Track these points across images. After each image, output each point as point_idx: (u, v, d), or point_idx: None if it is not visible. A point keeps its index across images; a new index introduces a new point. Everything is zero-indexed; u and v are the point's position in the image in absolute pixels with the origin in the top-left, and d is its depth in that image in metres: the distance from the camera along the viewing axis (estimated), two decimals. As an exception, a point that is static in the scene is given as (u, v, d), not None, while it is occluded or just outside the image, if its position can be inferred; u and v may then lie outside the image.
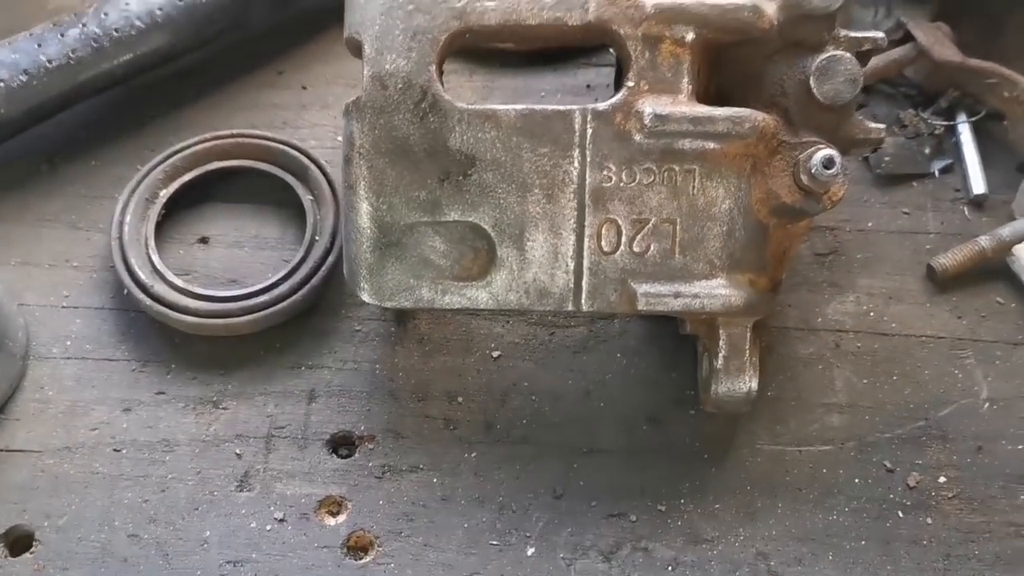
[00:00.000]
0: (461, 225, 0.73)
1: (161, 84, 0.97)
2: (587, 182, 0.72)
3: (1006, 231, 0.89)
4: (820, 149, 0.71)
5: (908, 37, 1.00)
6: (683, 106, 0.70)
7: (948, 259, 0.89)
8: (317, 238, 0.87)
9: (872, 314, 0.88)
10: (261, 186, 0.92)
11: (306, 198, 0.89)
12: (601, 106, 0.71)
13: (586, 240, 0.73)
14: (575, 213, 0.72)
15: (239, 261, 0.89)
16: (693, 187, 0.72)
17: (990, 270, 0.89)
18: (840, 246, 0.92)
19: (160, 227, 0.89)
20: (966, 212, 0.94)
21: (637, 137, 0.71)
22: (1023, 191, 0.92)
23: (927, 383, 0.84)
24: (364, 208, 0.73)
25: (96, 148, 0.95)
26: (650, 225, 0.72)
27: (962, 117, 0.98)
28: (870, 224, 0.93)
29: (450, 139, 0.72)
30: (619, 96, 0.71)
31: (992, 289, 0.89)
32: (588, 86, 1.01)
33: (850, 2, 1.07)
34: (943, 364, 0.85)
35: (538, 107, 0.72)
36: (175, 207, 0.90)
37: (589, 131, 0.71)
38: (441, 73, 0.73)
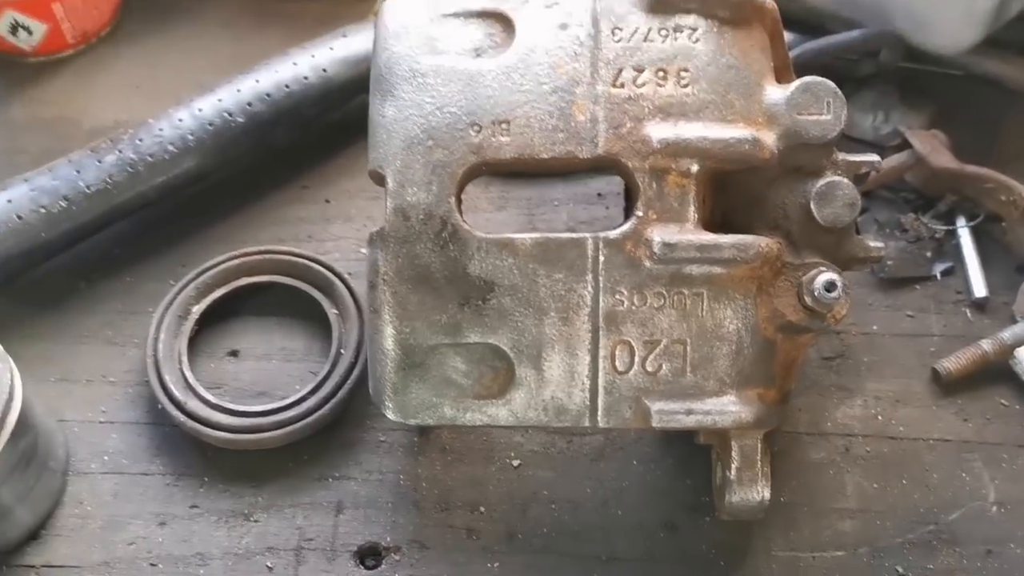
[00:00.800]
0: (481, 347, 0.77)
1: (191, 201, 1.01)
2: (600, 306, 0.75)
3: (1007, 334, 0.92)
4: (822, 272, 0.75)
5: (906, 144, 1.04)
6: (690, 234, 0.74)
7: (952, 362, 0.92)
8: (342, 351, 0.91)
9: (880, 418, 0.90)
10: (288, 299, 0.96)
11: (331, 312, 0.93)
12: (612, 234, 0.75)
13: (601, 360, 0.76)
14: (590, 335, 0.76)
15: (268, 374, 0.93)
16: (702, 310, 0.75)
17: (994, 372, 0.92)
18: (847, 350, 0.95)
19: (192, 341, 0.92)
20: (968, 314, 0.97)
21: (647, 264, 0.75)
22: (1022, 292, 0.95)
23: (936, 487, 0.86)
24: (388, 331, 0.77)
25: (130, 265, 0.99)
26: (662, 346, 0.76)
27: (961, 221, 1.01)
28: (875, 327, 0.96)
29: (470, 266, 0.76)
30: (629, 225, 0.75)
31: (996, 391, 0.92)
32: (599, 194, 1.06)
33: (849, 108, 1.11)
34: (951, 467, 0.88)
35: (552, 235, 0.76)
36: (206, 321, 0.94)
37: (601, 258, 0.75)
38: (460, 202, 0.77)
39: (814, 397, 0.92)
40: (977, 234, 1.00)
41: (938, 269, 1.00)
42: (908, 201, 1.04)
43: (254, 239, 1.01)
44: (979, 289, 0.97)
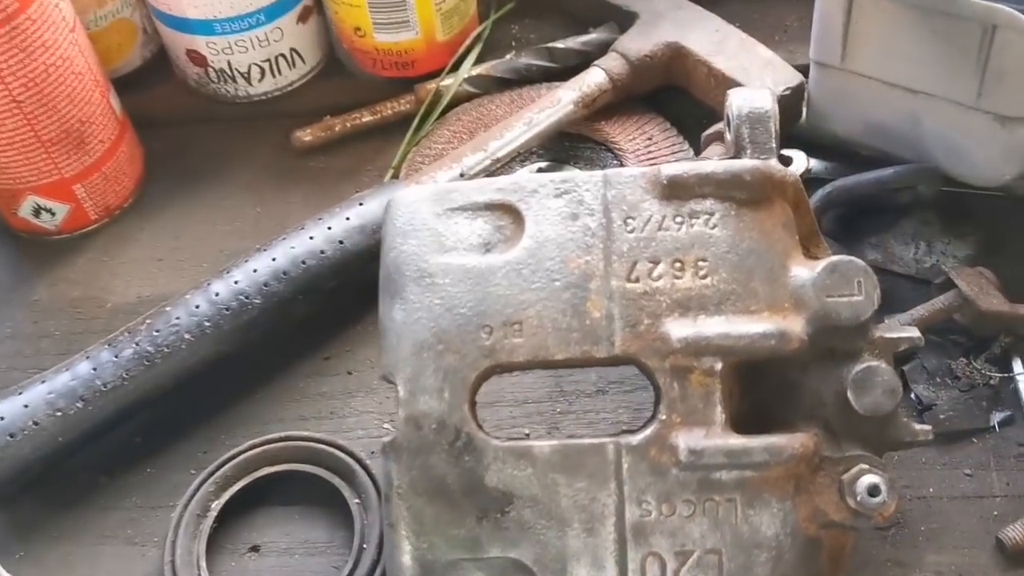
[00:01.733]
0: (503, 561, 0.73)
1: (210, 383, 0.99)
2: (626, 516, 0.71)
3: (1077, 496, 0.85)
4: (864, 473, 0.70)
5: (952, 283, 0.98)
6: (718, 438, 0.70)
7: (1018, 531, 0.85)
8: (365, 546, 0.87)
9: (943, 595, 0.84)
10: (310, 487, 0.93)
11: (353, 502, 0.90)
12: (635, 440, 0.71)
13: (630, 574, 0.71)
14: (616, 547, 0.71)
15: (290, 570, 0.89)
16: (736, 517, 0.70)
17: (1065, 539, 0.85)
18: (901, 517, 0.88)
19: (211, 539, 0.90)
20: (1033, 470, 0.90)
21: (674, 471, 0.70)
22: (1091, 445, 0.88)
23: (1008, 673, 0.80)
24: (405, 547, 0.73)
25: (151, 455, 0.97)
26: (695, 557, 0.71)
27: (1019, 365, 0.95)
28: (931, 490, 0.90)
29: (486, 477, 0.72)
30: (651, 430, 0.71)
31: (1069, 561, 0.85)
32: (629, 351, 1.01)
33: (889, 240, 1.06)
34: (1025, 651, 0.81)
35: (571, 442, 0.72)
36: (226, 514, 0.91)
37: (625, 465, 0.71)
38: (474, 408, 0.74)
39: (869, 575, 0.86)
40: (1036, 379, 0.94)
41: (996, 419, 0.93)
42: (958, 344, 0.98)
43: (276, 418, 0.99)
44: (1042, 440, 0.91)
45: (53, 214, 1.13)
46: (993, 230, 1.04)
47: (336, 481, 0.91)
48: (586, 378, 1.00)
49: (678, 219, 0.74)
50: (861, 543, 0.87)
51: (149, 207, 1.19)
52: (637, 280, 0.73)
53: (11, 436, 0.89)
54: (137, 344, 0.94)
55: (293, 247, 1.00)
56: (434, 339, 0.74)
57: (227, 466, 0.92)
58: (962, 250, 1.03)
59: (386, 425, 0.98)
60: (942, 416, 0.93)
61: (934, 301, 0.97)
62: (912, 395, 0.95)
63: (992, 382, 0.95)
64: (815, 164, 1.09)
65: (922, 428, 0.76)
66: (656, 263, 0.73)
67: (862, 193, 1.05)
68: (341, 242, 1.01)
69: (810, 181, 1.05)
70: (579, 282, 0.74)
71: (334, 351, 1.04)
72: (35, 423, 0.89)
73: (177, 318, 0.95)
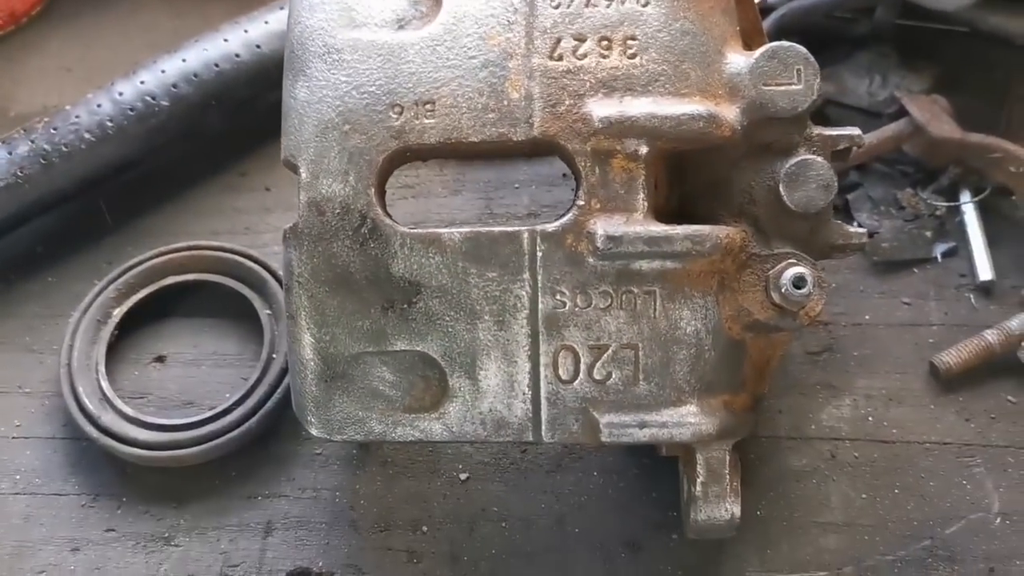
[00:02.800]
0: (409, 355, 0.69)
1: (117, 193, 0.93)
2: (539, 307, 0.67)
3: (1015, 323, 0.82)
4: (791, 266, 0.66)
5: (904, 111, 0.93)
6: (638, 225, 0.65)
7: (953, 356, 0.82)
8: (274, 356, 0.83)
9: (871, 419, 0.81)
10: (220, 299, 0.88)
11: (263, 312, 0.85)
12: (550, 227, 0.66)
13: (542, 368, 0.67)
14: (529, 340, 0.67)
15: (196, 381, 0.85)
16: (654, 310, 0.66)
17: (999, 366, 0.82)
18: (835, 343, 0.86)
19: (115, 347, 0.85)
20: (972, 300, 0.87)
21: (590, 259, 0.66)
22: (1033, 275, 0.85)
23: (932, 496, 0.78)
24: (306, 339, 0.69)
25: (53, 264, 0.92)
26: (610, 351, 0.67)
27: (966, 196, 0.91)
28: (867, 317, 0.87)
29: (392, 266, 0.67)
30: (569, 216, 0.66)
31: (1002, 387, 0.82)
32: (564, 175, 0.97)
33: (842, 72, 1.01)
34: (950, 474, 0.78)
35: (484, 230, 0.67)
36: (130, 325, 0.87)
37: (539, 254, 0.66)
38: (382, 194, 0.69)
39: (797, 397, 0.83)
40: (983, 210, 0.90)
41: (939, 250, 0.90)
42: (906, 175, 0.94)
43: (186, 232, 0.93)
44: (985, 272, 0.87)
45: (-47, 15, 1.05)
46: (950, 64, 0.99)
47: (246, 291, 0.87)
48: (518, 201, 0.96)
49: (608, -6, 0.68)
50: (791, 367, 0.84)
51: (58, 15, 1.11)
52: (560, 58, 0.67)
53: None
54: (33, 142, 0.87)
55: (206, 49, 0.93)
56: (340, 119, 0.68)
57: (130, 273, 0.87)
58: (917, 84, 0.98)
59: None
60: (884, 244, 0.90)
61: (884, 128, 0.93)
62: (855, 223, 0.91)
63: (938, 213, 0.91)
64: (772, -8, 1.03)
65: (856, 231, 0.72)
66: (582, 40, 0.67)
67: (817, 17, 1.00)
68: (258, 47, 0.94)
69: (765, 11, 0.99)
70: (498, 60, 0.68)
71: (251, 166, 0.99)
72: (-81, 216, 0.83)
73: (77, 116, 0.88)
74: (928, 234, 0.91)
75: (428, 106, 0.68)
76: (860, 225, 0.90)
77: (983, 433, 0.80)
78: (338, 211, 0.68)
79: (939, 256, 0.90)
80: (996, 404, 0.81)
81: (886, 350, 0.85)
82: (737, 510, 0.70)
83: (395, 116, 0.68)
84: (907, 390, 0.83)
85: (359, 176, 0.68)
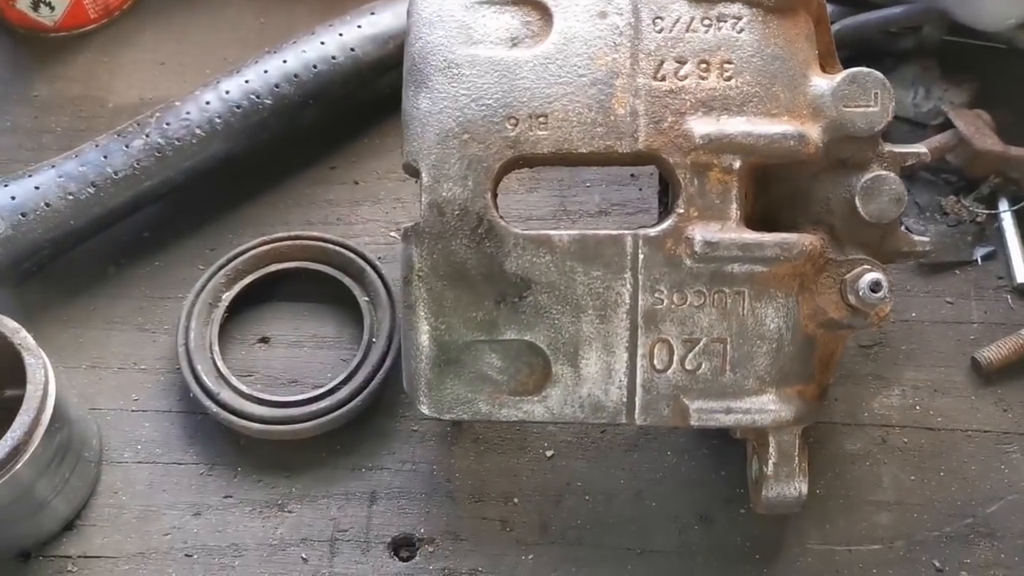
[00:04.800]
0: (517, 343, 0.76)
1: (219, 184, 1.00)
2: (639, 304, 0.74)
3: (1050, 323, 0.91)
4: (867, 271, 0.73)
5: (949, 123, 1.01)
6: (732, 232, 0.73)
7: (992, 352, 0.90)
8: (374, 340, 0.90)
9: (918, 408, 0.89)
10: (319, 285, 0.95)
11: (362, 299, 0.92)
12: (652, 232, 0.74)
13: (639, 359, 0.75)
14: (628, 333, 0.75)
15: (299, 361, 0.92)
16: (743, 308, 0.74)
17: (1035, 362, 0.90)
18: (884, 337, 0.93)
19: (222, 328, 0.92)
20: (1009, 301, 0.95)
21: (688, 262, 0.73)
22: (1066, 279, 0.93)
23: (974, 479, 0.86)
24: (424, 328, 0.76)
25: (160, 249, 0.99)
26: (701, 344, 0.74)
27: (1004, 204, 0.99)
28: (914, 314, 0.94)
29: (506, 263, 0.75)
30: (669, 222, 0.73)
31: (1037, 381, 0.90)
32: (632, 175, 1.04)
33: (893, 97, 1.08)
34: (989, 459, 0.87)
35: (590, 232, 0.75)
36: (236, 308, 0.94)
37: (641, 256, 0.74)
38: (496, 197, 0.76)
39: (850, 387, 0.91)
40: (1020, 218, 0.98)
41: (979, 254, 0.98)
42: (950, 183, 1.02)
43: (282, 222, 1.00)
44: (1021, 274, 0.95)
45: (52, 8, 1.10)
46: (991, 79, 1.06)
47: (346, 280, 0.94)
48: (590, 199, 1.03)
49: (706, 21, 0.75)
50: (845, 359, 0.92)
51: (150, 11, 1.16)
52: (663, 78, 0.74)
53: (23, 215, 0.89)
54: (147, 136, 0.94)
55: (304, 51, 0.99)
56: (459, 128, 0.75)
57: (238, 260, 0.93)
58: (959, 97, 1.06)
59: (392, 233, 1.00)
60: (929, 248, 0.97)
61: (931, 139, 1.00)
62: (903, 227, 0.99)
63: (978, 219, 0.99)
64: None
65: (920, 239, 0.80)
66: (683, 63, 0.74)
67: (869, 33, 1.07)
68: (352, 50, 1.01)
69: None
70: (605, 78, 0.75)
71: (341, 161, 1.05)
72: (47, 204, 0.90)
73: (188, 112, 0.95)
74: (969, 239, 0.98)
75: (541, 119, 0.75)
76: (908, 228, 0.98)
77: (1019, 422, 0.88)
78: (457, 212, 0.75)
79: (979, 259, 0.97)
80: (1031, 396, 0.90)
81: (931, 345, 0.93)
82: (805, 489, 0.78)
83: (511, 127, 0.75)
84: (950, 382, 0.91)
85: (477, 181, 0.75)
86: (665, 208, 0.85)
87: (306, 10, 1.15)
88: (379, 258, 0.94)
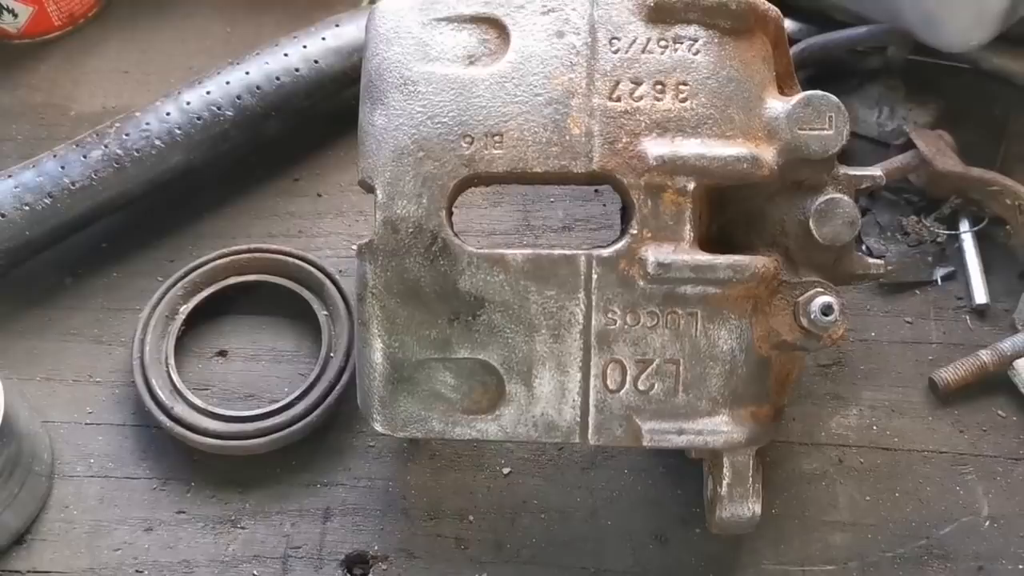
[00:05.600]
0: (471, 362, 0.76)
1: (179, 195, 0.99)
2: (592, 324, 0.74)
3: (1007, 344, 0.91)
4: (819, 294, 0.73)
5: (911, 144, 1.01)
6: (685, 254, 0.73)
7: (950, 373, 0.90)
8: (332, 355, 0.90)
9: (875, 428, 0.90)
10: (278, 299, 0.94)
11: (321, 313, 0.92)
12: (605, 252, 0.73)
13: (592, 379, 0.75)
14: (581, 353, 0.75)
15: (256, 375, 0.92)
16: (695, 329, 0.74)
17: (992, 383, 0.91)
18: (843, 357, 0.94)
19: (179, 341, 0.91)
20: (968, 321, 0.95)
21: (641, 283, 0.73)
22: (1024, 301, 0.93)
23: (929, 500, 0.86)
24: (377, 345, 0.76)
25: (117, 260, 0.98)
26: (654, 365, 0.74)
27: (965, 225, 0.99)
28: (873, 334, 0.95)
29: (460, 282, 0.74)
30: (623, 243, 0.73)
31: (993, 402, 0.91)
32: (596, 190, 1.04)
33: (854, 103, 1.08)
34: (945, 480, 0.87)
35: (544, 252, 0.74)
36: (194, 321, 0.93)
37: (594, 276, 0.74)
38: (451, 215, 0.76)
39: (809, 406, 0.91)
40: (980, 239, 0.98)
41: (939, 274, 0.98)
42: (911, 203, 1.02)
43: (244, 234, 0.99)
44: (980, 296, 0.96)
45: (15, 15, 1.10)
46: (954, 100, 1.07)
47: (305, 293, 0.93)
48: (553, 214, 1.03)
49: (662, 43, 0.75)
50: (804, 379, 0.92)
51: (115, 20, 1.16)
52: (619, 99, 0.74)
53: (-23, 226, 0.88)
54: (106, 146, 0.93)
55: (267, 63, 0.99)
56: (414, 146, 0.75)
57: (196, 273, 0.93)
58: (923, 117, 1.06)
59: (354, 246, 0.99)
60: (890, 267, 0.97)
61: (892, 160, 1.01)
62: (863, 247, 0.99)
63: (939, 239, 0.99)
64: (790, 25, 1.10)
65: (875, 262, 0.80)
66: (638, 84, 0.74)
67: (835, 52, 1.07)
68: (316, 62, 1.00)
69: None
70: (561, 98, 0.75)
71: (304, 173, 1.05)
72: (2, 215, 0.89)
73: (147, 124, 0.94)
74: (930, 259, 0.99)
75: (496, 138, 0.75)
76: (869, 248, 0.99)
77: (975, 444, 0.88)
78: (411, 230, 0.74)
79: (939, 280, 0.98)
80: (988, 418, 0.90)
81: (889, 365, 0.93)
82: (758, 509, 0.78)
83: (466, 145, 0.74)
84: (908, 402, 0.91)
85: (431, 199, 0.74)
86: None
87: (273, 21, 1.15)
88: (339, 272, 0.94)
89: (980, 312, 0.96)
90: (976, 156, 1.00)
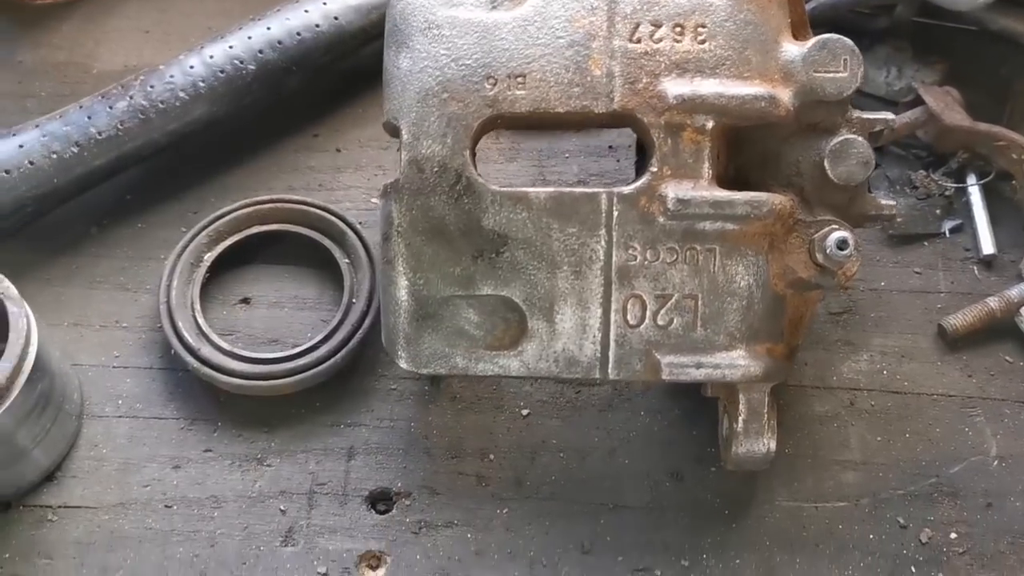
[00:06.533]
0: (494, 299, 0.78)
1: (202, 149, 1.01)
2: (613, 260, 0.76)
3: (1014, 292, 0.93)
4: (834, 230, 0.75)
5: (919, 100, 1.03)
6: (704, 190, 0.75)
7: (958, 319, 0.93)
8: (354, 301, 0.91)
9: (885, 372, 0.92)
10: (300, 248, 0.96)
11: (343, 261, 0.94)
12: (626, 189, 0.75)
13: (612, 314, 0.77)
14: (602, 289, 0.77)
15: (279, 321, 0.94)
16: (714, 265, 0.76)
17: (999, 329, 0.93)
18: (854, 305, 0.96)
19: (204, 289, 0.93)
20: (976, 272, 0.97)
21: (660, 219, 0.75)
22: (1031, 251, 0.95)
23: (938, 440, 0.88)
24: (402, 283, 0.78)
25: (142, 211, 1.00)
26: (673, 300, 0.76)
27: (972, 178, 1.01)
28: (883, 284, 0.97)
29: (484, 219, 0.76)
30: (643, 180, 0.75)
31: (1001, 348, 0.93)
32: (610, 147, 1.06)
33: (863, 64, 1.10)
34: (954, 422, 0.89)
35: (566, 190, 0.76)
36: (218, 269, 0.95)
37: (615, 213, 0.76)
38: (474, 155, 0.77)
39: (820, 352, 0.93)
40: (987, 192, 1.00)
41: (947, 226, 1.00)
42: (919, 158, 1.04)
43: (265, 187, 1.01)
44: (987, 246, 0.98)
45: (38, -25, 1.11)
46: (960, 60, 1.09)
47: (326, 242, 0.95)
48: (568, 169, 1.05)
49: (682, -15, 0.77)
50: (816, 326, 0.94)
51: (135, -21, 1.18)
52: (639, 41, 0.76)
53: (6, 172, 0.90)
54: (131, 98, 0.95)
55: (288, 19, 1.01)
56: (439, 87, 0.76)
57: (220, 222, 0.95)
58: (929, 77, 1.08)
59: (373, 200, 1.01)
60: (899, 220, 0.99)
61: (902, 115, 1.02)
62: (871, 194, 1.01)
63: (947, 193, 1.01)
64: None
65: (887, 203, 0.82)
66: (658, 26, 0.76)
67: (843, 12, 1.09)
68: (336, 18, 1.02)
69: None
70: (583, 40, 0.77)
71: (323, 129, 1.07)
72: (31, 162, 0.91)
73: (171, 76, 0.96)
74: (938, 211, 1.01)
75: (519, 79, 0.77)
76: (877, 200, 1.01)
77: (983, 387, 0.91)
78: (436, 169, 0.76)
79: (947, 232, 1.00)
80: (995, 363, 0.92)
81: (899, 313, 0.95)
82: (773, 445, 0.80)
83: (489, 87, 0.76)
84: (917, 348, 0.93)
85: (456, 139, 0.76)
86: (641, 174, 0.87)
87: (291, -19, 1.16)
88: (360, 223, 0.96)
89: (987, 263, 0.98)
90: (982, 115, 1.02)
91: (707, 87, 0.75)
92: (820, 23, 1.11)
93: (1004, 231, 0.99)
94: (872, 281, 0.97)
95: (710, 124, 0.75)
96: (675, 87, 0.75)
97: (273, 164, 1.03)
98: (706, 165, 0.75)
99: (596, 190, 0.76)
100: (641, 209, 0.75)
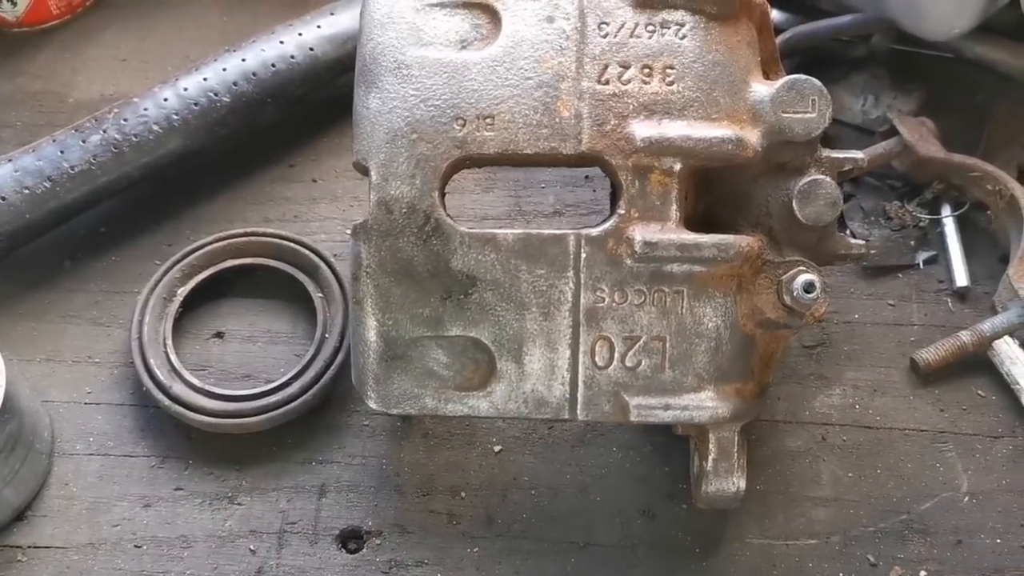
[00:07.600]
0: (463, 340, 0.78)
1: (177, 180, 1.01)
2: (581, 302, 0.76)
3: (986, 326, 0.93)
4: (801, 272, 0.75)
5: (895, 130, 1.03)
6: (671, 233, 0.75)
7: (931, 353, 0.93)
8: (327, 336, 0.91)
9: (857, 407, 0.92)
10: (274, 282, 0.96)
11: (316, 295, 0.94)
12: (594, 231, 0.75)
13: (581, 355, 0.77)
14: (570, 330, 0.77)
15: (252, 356, 0.94)
16: (682, 307, 0.76)
17: (972, 363, 0.93)
18: (827, 338, 0.96)
19: (178, 323, 0.93)
20: (949, 304, 0.97)
21: (628, 262, 0.75)
22: (1004, 283, 0.95)
23: (909, 476, 0.88)
24: (371, 323, 0.77)
25: (116, 244, 1.00)
26: (641, 342, 0.76)
27: (947, 210, 1.02)
28: (856, 316, 0.97)
29: (452, 261, 0.76)
30: (611, 222, 0.75)
31: (973, 382, 0.93)
32: (586, 177, 1.06)
33: (839, 91, 1.11)
34: (925, 457, 0.89)
35: (534, 231, 0.76)
36: (192, 303, 0.95)
37: (583, 255, 0.75)
38: (443, 196, 0.77)
39: (793, 386, 0.93)
40: (961, 223, 1.01)
41: (921, 258, 1.00)
42: (894, 188, 1.04)
43: (240, 218, 1.01)
44: (961, 278, 0.98)
45: (14, 4, 1.11)
46: (937, 88, 1.09)
47: (300, 276, 0.95)
48: (544, 200, 1.05)
49: (650, 27, 0.77)
50: (788, 359, 0.94)
51: (112, 7, 1.18)
52: (607, 82, 0.76)
53: (-22, 209, 0.90)
54: (104, 131, 0.95)
55: (263, 50, 1.01)
56: (408, 128, 0.76)
57: (193, 256, 0.95)
58: (906, 104, 1.08)
59: (348, 231, 1.00)
60: (873, 251, 1.00)
61: (876, 146, 1.03)
62: (847, 231, 1.01)
63: (921, 224, 1.02)
64: (777, 15, 1.13)
65: (856, 242, 0.82)
66: (626, 67, 0.76)
67: (820, 41, 1.09)
68: (311, 49, 1.02)
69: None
70: (551, 81, 0.76)
71: (300, 159, 1.07)
72: (3, 198, 0.91)
73: (145, 109, 0.96)
74: (912, 243, 1.01)
75: (488, 120, 0.76)
76: (853, 232, 1.01)
77: (955, 422, 0.91)
78: (405, 210, 0.76)
79: (921, 263, 1.00)
80: (967, 397, 0.92)
81: (872, 346, 0.95)
82: (743, 484, 0.80)
83: (458, 128, 0.76)
84: (889, 382, 0.93)
85: (424, 180, 0.76)
86: (614, 210, 0.87)
87: (269, 9, 1.17)
88: (335, 255, 0.96)
89: (961, 295, 0.98)
90: (958, 143, 1.03)
91: (674, 129, 0.75)
92: (797, 51, 1.12)
93: (978, 262, 0.99)
94: (846, 313, 0.97)
95: (677, 166, 0.75)
96: (643, 129, 0.75)
97: (249, 195, 1.03)
98: (674, 207, 0.75)
99: (564, 232, 0.76)
100: (609, 251, 0.75)
